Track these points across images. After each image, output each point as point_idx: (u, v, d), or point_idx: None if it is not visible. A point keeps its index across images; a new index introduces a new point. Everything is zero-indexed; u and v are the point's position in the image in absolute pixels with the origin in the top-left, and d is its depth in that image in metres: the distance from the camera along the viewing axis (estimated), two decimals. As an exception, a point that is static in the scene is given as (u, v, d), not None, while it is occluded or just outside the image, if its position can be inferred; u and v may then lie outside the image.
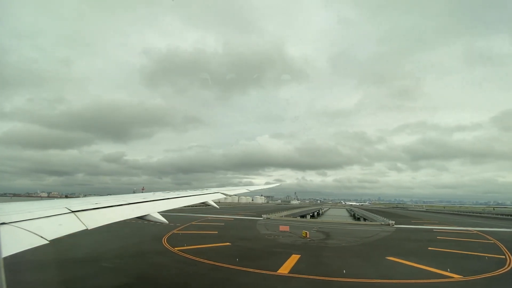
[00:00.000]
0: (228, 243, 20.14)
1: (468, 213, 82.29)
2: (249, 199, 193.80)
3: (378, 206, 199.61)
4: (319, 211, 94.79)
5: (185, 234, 24.32)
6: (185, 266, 13.45)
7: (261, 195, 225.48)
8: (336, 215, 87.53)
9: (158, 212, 5.73)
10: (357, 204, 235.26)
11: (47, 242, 3.32)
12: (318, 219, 60.66)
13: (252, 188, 12.00)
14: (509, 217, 63.74)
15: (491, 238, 24.95)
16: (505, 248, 19.68)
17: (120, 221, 4.85)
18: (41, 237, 3.35)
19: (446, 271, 12.89)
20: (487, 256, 16.69)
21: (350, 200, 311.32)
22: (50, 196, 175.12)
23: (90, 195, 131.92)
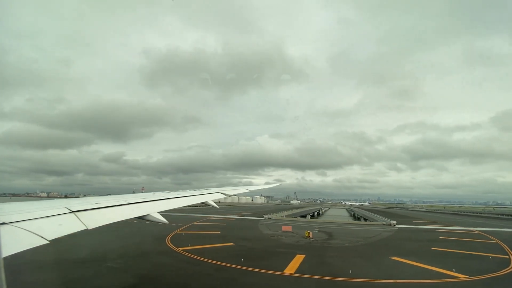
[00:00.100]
0: (231, 243, 20.15)
1: (468, 213, 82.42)
2: (249, 199, 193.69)
3: (378, 206, 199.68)
4: (319, 211, 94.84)
5: (188, 234, 24.31)
6: (192, 266, 13.45)
7: (261, 195, 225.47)
8: (337, 215, 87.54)
9: (158, 212, 5.72)
10: (357, 204, 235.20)
11: (47, 242, 3.31)
12: (319, 219, 60.69)
13: (252, 188, 11.98)
14: (510, 217, 63.87)
15: (494, 238, 25.01)
16: (508, 248, 19.74)
17: (120, 221, 4.84)
18: (41, 237, 3.34)
19: (452, 271, 12.93)
20: (491, 256, 16.74)
21: (349, 200, 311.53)
22: (49, 196, 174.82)
23: (89, 195, 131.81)
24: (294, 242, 21.24)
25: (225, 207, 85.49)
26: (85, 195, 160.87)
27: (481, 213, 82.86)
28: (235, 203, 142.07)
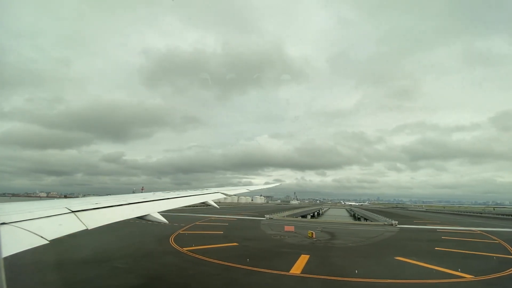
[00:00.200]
0: (235, 243, 20.16)
1: (468, 213, 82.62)
2: (249, 199, 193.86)
3: (378, 206, 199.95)
4: (319, 211, 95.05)
5: (191, 234, 24.31)
6: (198, 267, 13.45)
7: (261, 195, 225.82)
8: (337, 215, 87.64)
9: (158, 212, 5.69)
10: (357, 204, 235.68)
11: (47, 242, 3.30)
12: (320, 219, 60.77)
13: (251, 188, 11.93)
14: (510, 217, 64.03)
15: (496, 238, 25.09)
16: (511, 249, 19.81)
17: (121, 221, 4.82)
18: (41, 237, 3.32)
19: (457, 271, 12.96)
20: (495, 256, 16.78)
21: (349, 200, 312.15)
22: (49, 196, 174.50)
23: (89, 195, 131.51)
24: (297, 242, 21.27)
25: (225, 207, 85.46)
26: (84, 195, 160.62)
27: (481, 213, 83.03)
28: (235, 203, 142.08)
